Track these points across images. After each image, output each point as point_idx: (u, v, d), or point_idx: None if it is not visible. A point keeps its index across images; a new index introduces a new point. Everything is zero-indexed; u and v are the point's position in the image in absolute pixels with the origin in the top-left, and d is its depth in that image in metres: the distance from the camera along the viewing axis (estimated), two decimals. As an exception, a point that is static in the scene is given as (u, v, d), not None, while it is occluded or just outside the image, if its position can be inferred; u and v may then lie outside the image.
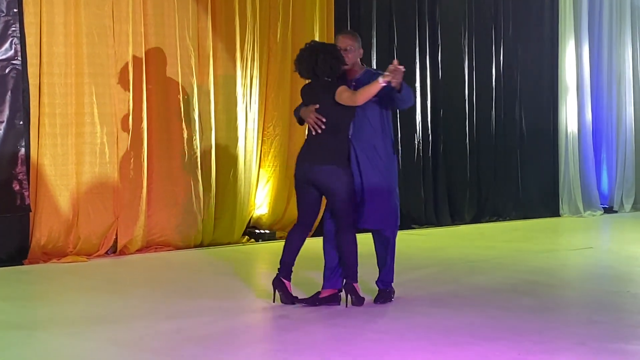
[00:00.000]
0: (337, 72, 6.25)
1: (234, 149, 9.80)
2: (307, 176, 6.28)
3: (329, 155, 6.21)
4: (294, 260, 6.36)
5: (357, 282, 6.32)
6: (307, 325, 5.77)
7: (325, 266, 6.44)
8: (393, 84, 6.04)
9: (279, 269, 6.35)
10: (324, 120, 6.20)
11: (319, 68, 6.21)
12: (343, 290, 6.33)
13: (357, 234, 6.42)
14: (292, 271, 6.35)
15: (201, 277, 7.78)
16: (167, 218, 9.22)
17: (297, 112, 6.50)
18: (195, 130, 9.43)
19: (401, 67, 5.98)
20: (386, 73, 5.99)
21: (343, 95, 6.15)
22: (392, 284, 6.60)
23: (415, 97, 6.48)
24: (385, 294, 6.52)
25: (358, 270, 6.32)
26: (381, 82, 5.98)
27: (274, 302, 6.32)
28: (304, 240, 6.42)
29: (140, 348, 5.14)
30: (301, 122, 6.45)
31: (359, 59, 6.43)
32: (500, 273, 8.10)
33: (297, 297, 6.33)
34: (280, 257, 6.35)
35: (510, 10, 13.26)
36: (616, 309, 6.50)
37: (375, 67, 11.36)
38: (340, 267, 6.37)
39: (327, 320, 5.91)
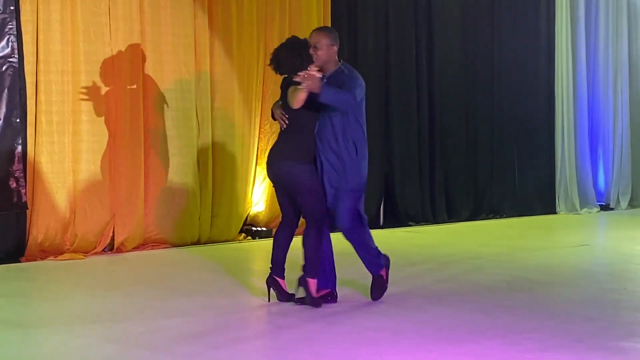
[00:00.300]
0: (300, 69, 6.15)
1: (231, 147, 9.80)
2: (272, 173, 6.36)
3: (289, 152, 6.24)
4: (284, 258, 6.37)
5: (314, 278, 6.22)
6: (303, 323, 5.78)
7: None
8: (310, 90, 6.00)
9: (270, 268, 6.36)
10: (287, 116, 6.24)
11: (282, 65, 6.22)
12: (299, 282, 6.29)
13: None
14: (284, 269, 6.35)
15: (197, 274, 7.77)
16: (164, 215, 9.22)
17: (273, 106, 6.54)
18: (193, 128, 9.43)
19: (313, 73, 5.96)
20: (297, 79, 5.99)
21: (289, 96, 6.17)
22: (383, 268, 6.53)
23: (351, 100, 6.20)
24: (377, 280, 6.49)
25: (318, 269, 6.24)
26: (303, 87, 5.98)
27: (269, 301, 6.33)
28: (290, 238, 6.43)
29: (137, 345, 5.14)
30: (273, 117, 6.48)
31: (335, 56, 6.32)
32: (496, 270, 8.10)
33: (293, 295, 6.33)
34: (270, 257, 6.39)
35: (506, 6, 13.25)
36: (613, 307, 6.51)
37: (371, 64, 11.38)
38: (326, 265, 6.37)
39: (323, 318, 5.91)
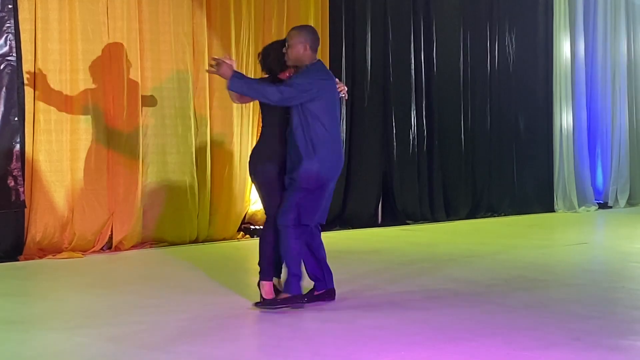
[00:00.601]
0: (272, 68, 6.25)
1: (229, 145, 9.80)
2: None
3: (254, 152, 6.35)
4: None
5: (266, 280, 6.17)
6: (301, 321, 5.78)
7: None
8: (219, 75, 6.06)
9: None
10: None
11: (262, 64, 6.34)
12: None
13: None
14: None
15: (196, 273, 7.77)
16: (162, 214, 9.21)
17: None
18: (191, 126, 9.43)
19: (223, 60, 6.02)
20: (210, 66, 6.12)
21: None
22: (299, 296, 6.13)
23: (269, 94, 6.00)
24: (274, 299, 6.15)
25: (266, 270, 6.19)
26: (211, 72, 6.12)
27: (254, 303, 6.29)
28: None
29: (135, 343, 5.14)
30: None
31: (310, 54, 6.17)
32: (495, 269, 8.11)
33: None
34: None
35: (505, 6, 13.26)
36: (611, 305, 6.52)
37: (369, 61, 11.37)
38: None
39: (321, 316, 5.91)
